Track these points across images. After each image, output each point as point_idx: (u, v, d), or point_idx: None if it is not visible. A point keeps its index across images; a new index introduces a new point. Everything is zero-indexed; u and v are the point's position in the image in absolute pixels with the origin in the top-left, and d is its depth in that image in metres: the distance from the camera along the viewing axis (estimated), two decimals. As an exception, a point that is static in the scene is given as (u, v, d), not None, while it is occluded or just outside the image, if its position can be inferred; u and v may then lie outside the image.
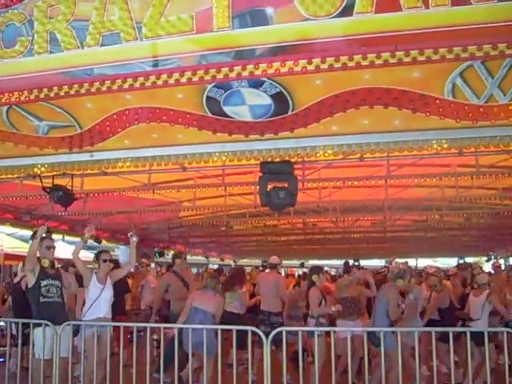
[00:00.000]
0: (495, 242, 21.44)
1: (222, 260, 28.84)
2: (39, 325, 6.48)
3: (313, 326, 7.53)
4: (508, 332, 5.99)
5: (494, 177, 9.24)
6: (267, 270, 10.21)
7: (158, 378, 6.24)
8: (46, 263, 6.84)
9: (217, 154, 5.98)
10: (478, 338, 6.17)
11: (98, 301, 6.94)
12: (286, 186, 6.57)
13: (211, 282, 7.72)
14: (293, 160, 6.28)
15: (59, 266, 7.23)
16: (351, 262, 10.14)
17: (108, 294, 7.04)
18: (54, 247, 7.12)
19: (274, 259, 9.68)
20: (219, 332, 6.06)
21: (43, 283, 6.74)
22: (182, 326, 6.79)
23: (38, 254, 6.83)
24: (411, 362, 6.96)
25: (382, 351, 5.84)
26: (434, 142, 5.53)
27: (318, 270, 8.19)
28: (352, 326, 7.94)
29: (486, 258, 24.51)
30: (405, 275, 7.56)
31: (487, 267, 18.56)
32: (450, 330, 5.88)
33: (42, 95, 5.17)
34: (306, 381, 6.03)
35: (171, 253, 22.66)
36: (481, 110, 4.90)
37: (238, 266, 16.97)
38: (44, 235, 6.97)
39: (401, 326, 7.37)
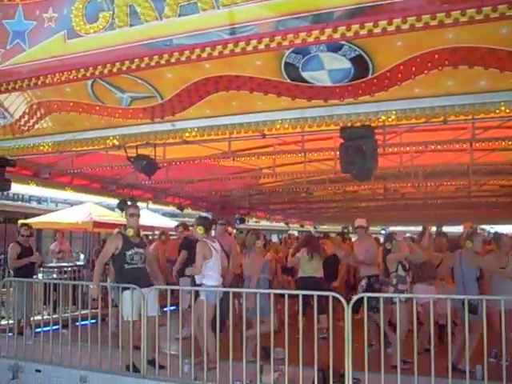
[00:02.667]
0: None
1: (302, 226, 28.89)
2: (127, 289, 6.77)
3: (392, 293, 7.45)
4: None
5: None
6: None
7: None
8: (130, 232, 7.04)
9: (296, 120, 5.94)
10: None
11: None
12: (365, 151, 6.45)
13: (250, 240, 7.79)
14: (373, 124, 6.16)
15: (144, 234, 7.43)
16: (434, 228, 9.91)
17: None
18: (138, 215, 7.26)
19: (360, 221, 9.40)
20: (300, 297, 6.09)
21: (128, 253, 6.96)
22: (255, 290, 6.79)
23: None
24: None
25: (480, 318, 5.72)
26: (524, 102, 5.25)
27: (390, 237, 8.06)
28: (431, 290, 7.88)
29: None
30: (474, 237, 7.52)
31: None
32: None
33: (124, 68, 5.31)
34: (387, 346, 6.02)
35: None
36: None
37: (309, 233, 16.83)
38: (129, 203, 7.17)
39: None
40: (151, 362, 6.65)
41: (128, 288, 6.72)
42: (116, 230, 7.82)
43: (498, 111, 5.38)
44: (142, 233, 7.56)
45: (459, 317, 7.16)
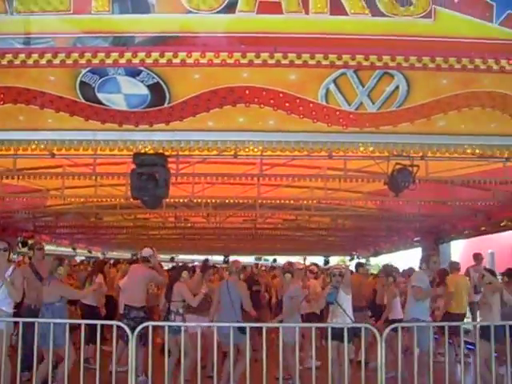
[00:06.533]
0: (358, 243, 22.66)
1: (89, 252, 27.88)
2: None
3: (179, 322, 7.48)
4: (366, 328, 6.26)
5: (360, 181, 9.71)
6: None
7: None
8: None
9: (87, 142, 5.76)
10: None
11: None
12: (157, 178, 6.46)
13: (52, 265, 7.39)
14: (167, 153, 6.21)
15: None
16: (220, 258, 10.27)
17: None
18: None
19: (145, 251, 9.31)
20: (83, 326, 5.86)
21: None
22: (51, 320, 6.38)
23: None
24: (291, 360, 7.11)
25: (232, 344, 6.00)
26: (306, 144, 5.69)
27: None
28: (202, 320, 8.04)
29: (349, 258, 25.96)
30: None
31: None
32: (330, 325, 6.15)
33: None
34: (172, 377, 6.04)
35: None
36: (351, 116, 5.13)
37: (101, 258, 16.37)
38: None
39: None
40: None
41: None
42: None
43: (282, 150, 5.77)
44: None
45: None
